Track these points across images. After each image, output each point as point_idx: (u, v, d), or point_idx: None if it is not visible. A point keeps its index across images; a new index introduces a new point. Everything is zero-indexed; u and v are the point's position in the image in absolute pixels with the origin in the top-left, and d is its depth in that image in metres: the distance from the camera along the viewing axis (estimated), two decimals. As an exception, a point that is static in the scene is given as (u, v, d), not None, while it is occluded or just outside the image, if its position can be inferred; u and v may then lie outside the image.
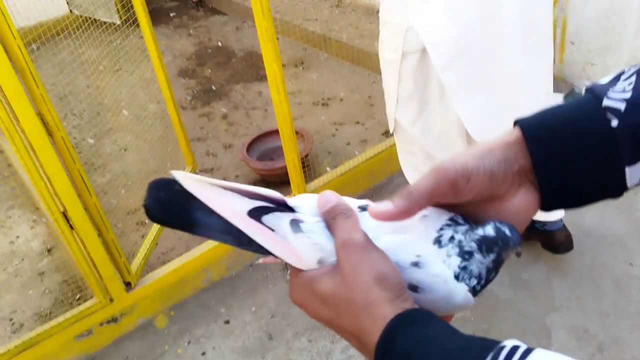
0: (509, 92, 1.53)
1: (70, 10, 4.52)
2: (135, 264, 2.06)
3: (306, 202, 0.51)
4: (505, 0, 1.43)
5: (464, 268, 0.47)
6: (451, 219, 0.49)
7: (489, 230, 0.47)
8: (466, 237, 0.48)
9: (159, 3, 4.93)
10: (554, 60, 2.87)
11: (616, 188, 0.47)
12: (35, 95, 1.43)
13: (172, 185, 0.46)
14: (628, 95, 0.45)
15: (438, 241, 0.48)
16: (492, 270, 0.48)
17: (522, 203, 0.48)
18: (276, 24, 1.96)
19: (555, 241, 1.97)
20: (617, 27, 2.56)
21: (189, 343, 2.00)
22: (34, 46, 2.68)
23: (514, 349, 0.38)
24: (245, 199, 0.48)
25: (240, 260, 2.27)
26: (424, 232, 0.49)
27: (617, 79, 0.47)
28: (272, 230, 0.48)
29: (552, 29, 1.51)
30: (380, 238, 0.48)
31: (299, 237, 0.47)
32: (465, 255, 0.47)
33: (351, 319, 0.45)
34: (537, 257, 2.04)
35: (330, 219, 0.48)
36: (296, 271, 0.48)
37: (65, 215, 1.68)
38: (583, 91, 0.49)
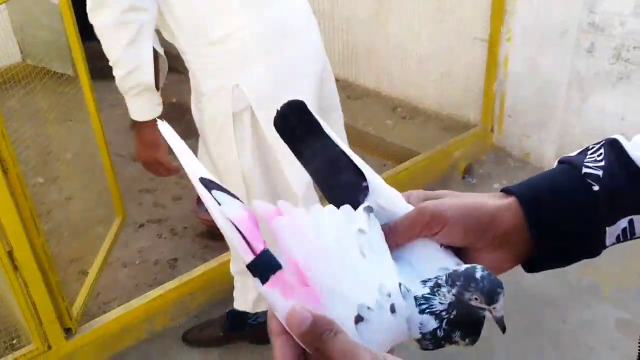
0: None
1: (23, 59, 4.49)
2: (75, 309, 2.00)
3: None
4: None
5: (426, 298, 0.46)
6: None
7: (462, 267, 0.46)
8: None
9: (114, 58, 4.98)
10: (494, 131, 3.08)
11: (596, 247, 0.52)
12: (-6, 130, 1.43)
13: (303, 113, 0.52)
14: (602, 164, 0.51)
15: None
16: (454, 309, 0.45)
17: (491, 264, 0.49)
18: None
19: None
20: (549, 103, 2.79)
21: (128, 395, 1.93)
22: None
23: None
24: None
25: (185, 311, 2.24)
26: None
27: (584, 152, 0.53)
28: None
29: None
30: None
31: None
32: (434, 287, 0.46)
33: None
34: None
35: (315, 341, 0.40)
36: None
37: (10, 255, 1.64)
38: (555, 164, 0.54)
